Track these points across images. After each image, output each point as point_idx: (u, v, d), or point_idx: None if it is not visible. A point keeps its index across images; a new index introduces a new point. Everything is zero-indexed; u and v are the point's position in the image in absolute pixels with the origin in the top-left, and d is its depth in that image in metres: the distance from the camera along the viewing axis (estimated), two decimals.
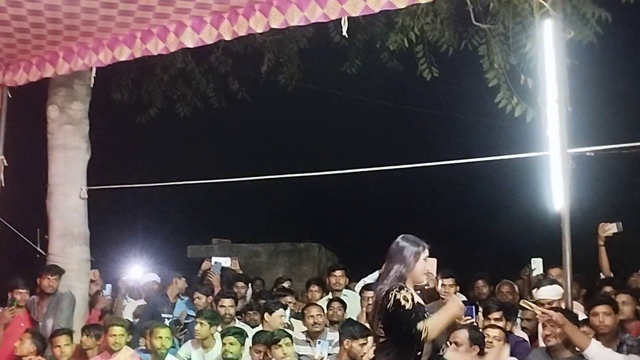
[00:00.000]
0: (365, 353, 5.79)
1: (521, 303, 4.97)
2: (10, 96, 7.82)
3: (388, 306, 4.30)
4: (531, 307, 5.09)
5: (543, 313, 5.24)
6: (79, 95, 8.25)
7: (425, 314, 4.37)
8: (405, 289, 4.32)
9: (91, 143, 8.35)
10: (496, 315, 6.09)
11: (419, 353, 4.26)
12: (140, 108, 9.91)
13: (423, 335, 4.23)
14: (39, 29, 6.62)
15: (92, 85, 7.75)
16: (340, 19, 5.80)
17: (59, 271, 7.45)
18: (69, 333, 6.81)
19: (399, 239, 4.56)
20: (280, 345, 5.90)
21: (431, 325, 4.29)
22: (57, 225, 8.06)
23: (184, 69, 9.51)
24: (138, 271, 8.54)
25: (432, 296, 6.35)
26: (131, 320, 7.74)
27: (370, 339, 5.78)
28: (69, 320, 7.33)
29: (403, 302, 4.25)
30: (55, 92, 8.23)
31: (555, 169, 5.79)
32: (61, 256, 7.90)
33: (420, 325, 4.23)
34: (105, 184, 8.45)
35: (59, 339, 6.68)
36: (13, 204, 7.98)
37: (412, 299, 4.31)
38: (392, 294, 4.29)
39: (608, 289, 6.57)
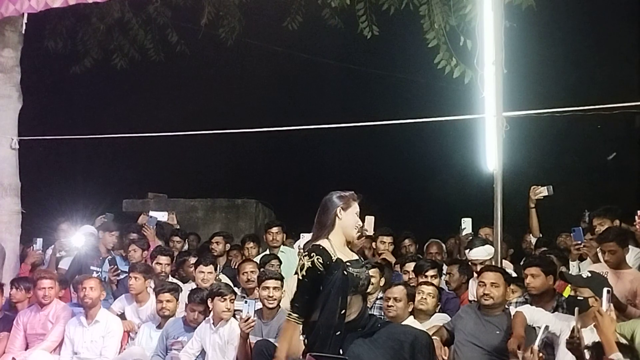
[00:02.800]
0: (271, 296, 5.86)
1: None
2: None
3: (297, 267, 4.30)
4: None
5: None
6: (10, 42, 8.00)
7: (349, 272, 4.23)
8: (311, 254, 4.21)
9: (23, 92, 8.12)
10: (432, 272, 6.28)
11: (343, 312, 4.17)
12: (76, 58, 9.65)
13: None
14: None
15: (23, 32, 7.51)
16: None
17: None
18: None
19: (327, 196, 4.46)
20: (225, 299, 5.88)
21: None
22: None
23: (121, 18, 9.27)
24: (72, 225, 8.37)
25: None
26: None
27: (275, 282, 5.88)
28: None
29: (299, 271, 4.23)
30: None
31: (490, 130, 5.89)
32: None
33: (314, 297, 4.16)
34: (38, 134, 8.26)
35: None
36: None
37: (313, 265, 4.18)
38: (300, 257, 4.26)
39: (543, 249, 6.75)
